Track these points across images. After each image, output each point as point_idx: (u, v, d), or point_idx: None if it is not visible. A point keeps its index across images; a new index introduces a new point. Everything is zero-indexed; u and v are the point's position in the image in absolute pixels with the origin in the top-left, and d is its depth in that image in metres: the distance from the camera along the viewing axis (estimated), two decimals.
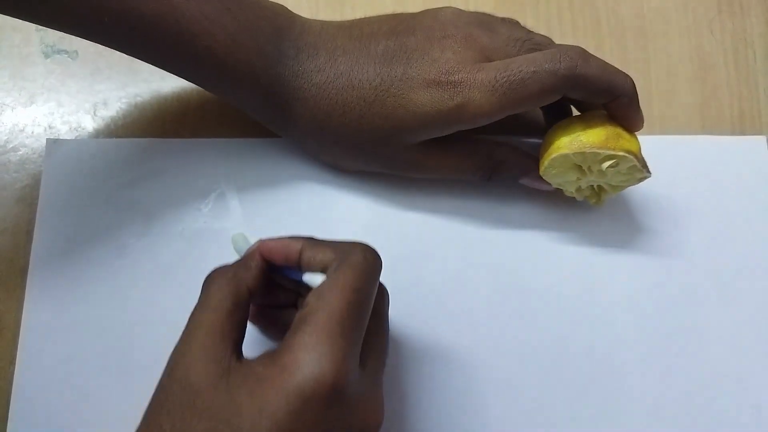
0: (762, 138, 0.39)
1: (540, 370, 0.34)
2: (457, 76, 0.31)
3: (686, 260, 0.37)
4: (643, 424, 0.34)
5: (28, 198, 0.37)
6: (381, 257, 0.28)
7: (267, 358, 0.25)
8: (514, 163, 0.35)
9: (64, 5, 0.29)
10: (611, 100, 0.31)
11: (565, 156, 0.32)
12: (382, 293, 0.30)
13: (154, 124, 0.38)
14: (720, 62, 0.41)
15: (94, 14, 0.29)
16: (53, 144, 0.37)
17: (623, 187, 0.34)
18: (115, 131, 0.38)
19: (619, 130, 0.32)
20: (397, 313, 0.33)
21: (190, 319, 0.27)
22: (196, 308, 0.27)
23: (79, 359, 0.34)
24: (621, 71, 0.31)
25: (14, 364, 0.34)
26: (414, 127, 0.32)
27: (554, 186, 0.35)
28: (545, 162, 0.33)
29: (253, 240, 0.30)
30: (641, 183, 0.33)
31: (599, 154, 0.31)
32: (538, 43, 0.33)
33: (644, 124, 0.33)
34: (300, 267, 0.28)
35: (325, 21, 0.34)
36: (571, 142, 0.32)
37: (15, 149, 0.38)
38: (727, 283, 0.36)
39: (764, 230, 0.37)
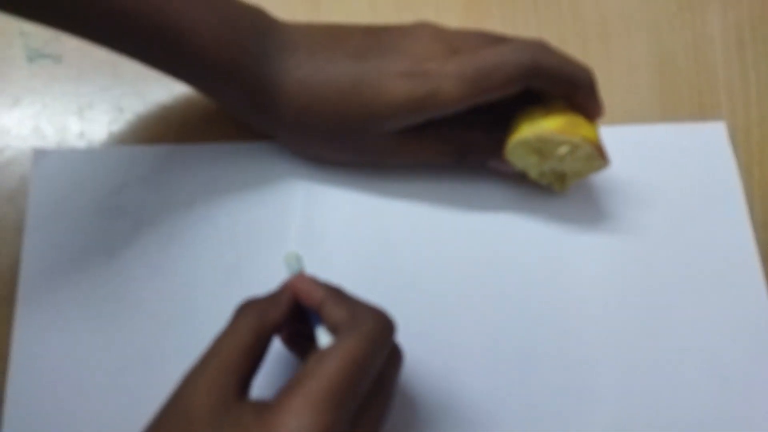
0: (721, 124, 0.41)
1: (508, 349, 0.36)
2: (427, 67, 0.33)
3: (649, 243, 0.38)
4: (611, 399, 0.35)
5: (15, 199, 0.37)
6: (394, 324, 0.28)
7: (260, 410, 0.25)
8: (483, 146, 0.37)
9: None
10: (571, 92, 0.33)
11: (526, 140, 0.34)
12: (394, 358, 0.30)
13: (139, 126, 0.39)
14: (681, 58, 0.43)
15: (77, 11, 0.30)
16: (40, 155, 0.38)
17: (583, 175, 0.36)
18: (101, 133, 0.39)
19: (579, 119, 0.34)
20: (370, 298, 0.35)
21: (211, 343, 0.27)
22: (220, 335, 0.28)
23: (72, 367, 0.34)
24: (581, 64, 0.34)
25: (6, 375, 0.34)
26: (389, 116, 0.34)
27: (519, 169, 0.37)
28: (508, 146, 0.35)
29: (305, 262, 0.31)
30: (604, 171, 0.35)
31: (556, 139, 0.33)
32: (502, 38, 0.35)
33: (605, 120, 0.34)
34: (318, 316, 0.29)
35: (303, 23, 0.36)
36: (532, 127, 0.34)
37: (1, 151, 0.39)
38: (689, 263, 0.38)
39: (723, 213, 0.39)
